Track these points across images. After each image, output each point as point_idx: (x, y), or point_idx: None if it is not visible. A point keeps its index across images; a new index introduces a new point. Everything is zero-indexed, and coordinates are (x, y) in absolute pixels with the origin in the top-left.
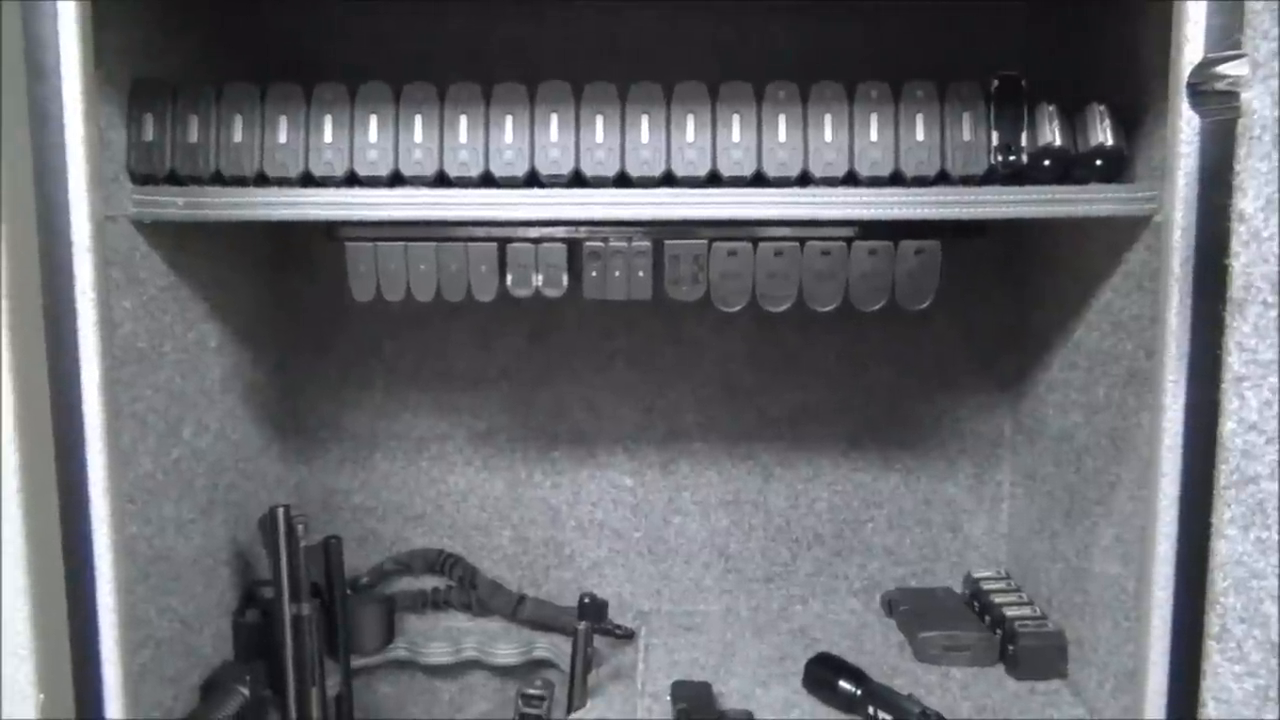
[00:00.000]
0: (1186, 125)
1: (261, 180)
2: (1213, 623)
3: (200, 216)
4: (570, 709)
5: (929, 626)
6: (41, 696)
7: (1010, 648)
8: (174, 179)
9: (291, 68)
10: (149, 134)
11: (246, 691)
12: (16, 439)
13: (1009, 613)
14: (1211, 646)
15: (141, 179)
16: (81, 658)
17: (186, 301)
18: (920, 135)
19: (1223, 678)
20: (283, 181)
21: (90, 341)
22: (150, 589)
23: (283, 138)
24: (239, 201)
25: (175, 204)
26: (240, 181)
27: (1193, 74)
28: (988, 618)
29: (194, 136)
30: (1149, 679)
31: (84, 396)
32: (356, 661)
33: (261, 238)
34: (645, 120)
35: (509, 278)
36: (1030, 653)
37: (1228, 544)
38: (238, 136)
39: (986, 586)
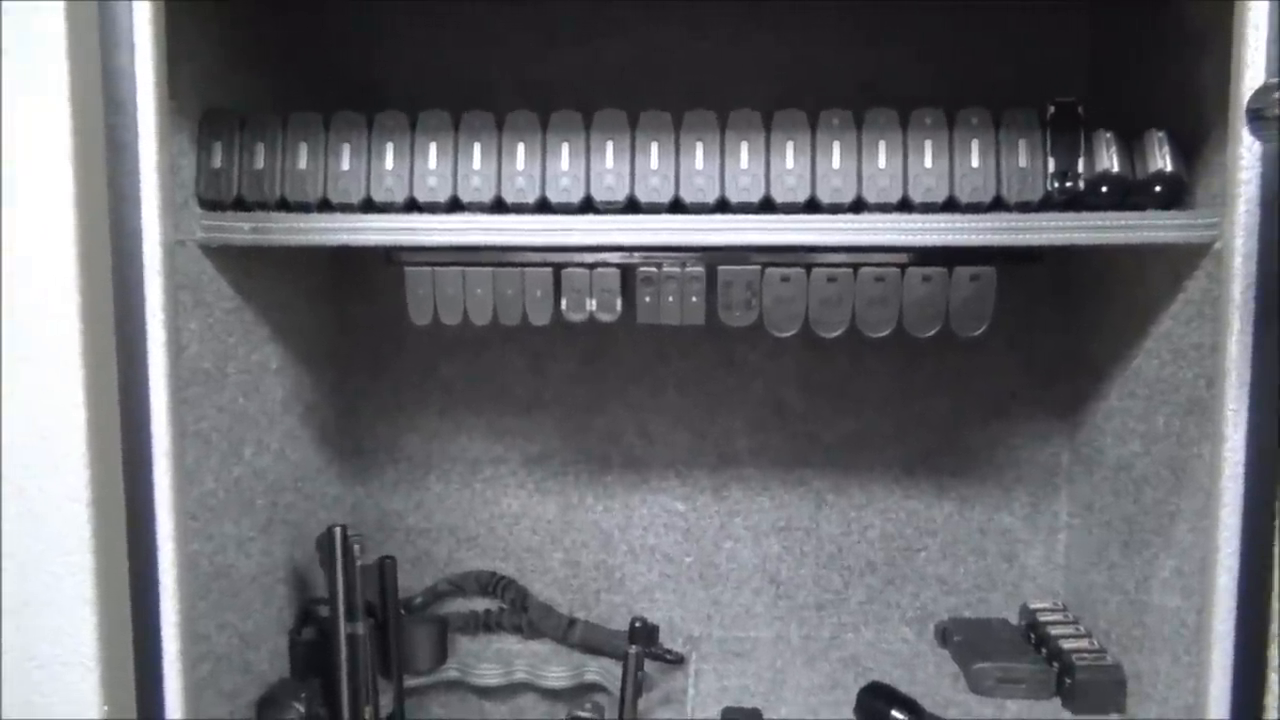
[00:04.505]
0: (1247, 151)
1: (325, 206)
2: (1274, 656)
3: (266, 241)
4: None
5: (984, 658)
6: (106, 707)
7: (1067, 681)
8: (241, 205)
9: (354, 96)
10: (218, 161)
11: (302, 708)
12: (88, 455)
13: (1066, 645)
14: (1273, 680)
15: (210, 205)
16: (144, 670)
17: (250, 324)
18: (975, 162)
19: None
20: (345, 207)
21: (159, 362)
22: (210, 605)
23: (345, 165)
24: (303, 227)
25: (242, 229)
26: (304, 207)
27: (1253, 99)
28: (1044, 650)
29: (260, 164)
30: (1210, 715)
31: (152, 415)
32: (409, 681)
33: (323, 262)
34: (700, 147)
35: (564, 302)
36: (1088, 686)
37: None
38: (302, 163)
39: (1043, 618)
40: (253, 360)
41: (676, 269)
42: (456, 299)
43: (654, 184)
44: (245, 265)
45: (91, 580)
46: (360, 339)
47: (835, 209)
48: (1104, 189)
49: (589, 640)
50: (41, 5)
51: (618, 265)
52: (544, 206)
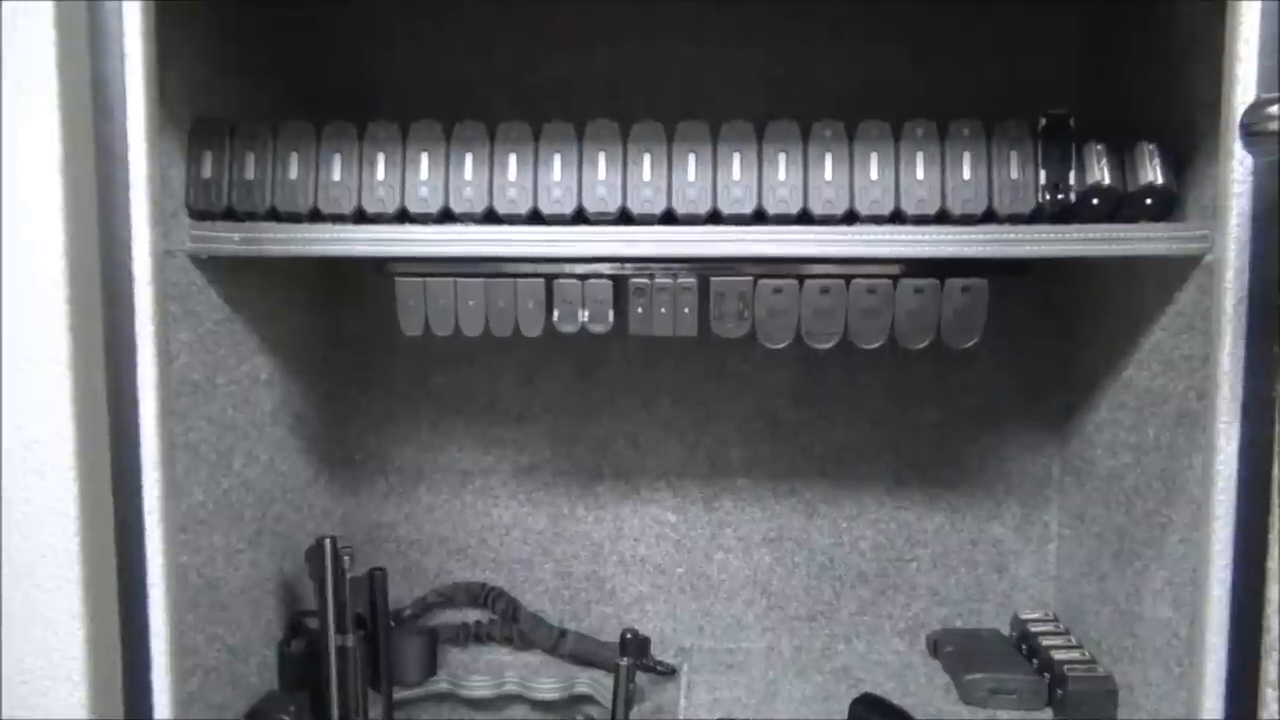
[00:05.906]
0: (1239, 165)
1: (315, 216)
2: (1270, 670)
3: (256, 252)
4: None
5: (975, 668)
6: None
7: (1059, 692)
8: (231, 215)
9: (346, 104)
10: (207, 171)
11: None
12: (76, 466)
13: (1057, 656)
14: (1269, 694)
15: (199, 215)
16: (133, 684)
17: (239, 335)
18: (967, 173)
19: None
20: (336, 218)
21: (149, 373)
22: (199, 618)
23: (336, 175)
24: (293, 237)
25: (232, 239)
26: (295, 218)
27: (1246, 114)
28: (1035, 661)
29: (250, 173)
30: None
31: (141, 427)
32: (399, 693)
33: (313, 272)
34: (692, 158)
35: (555, 313)
36: (1080, 697)
37: None
38: (293, 173)
39: (1034, 629)
40: (242, 371)
41: (669, 280)
42: (448, 310)
43: (646, 195)
44: (235, 276)
45: (79, 593)
46: (351, 350)
47: (827, 220)
48: (1095, 201)
49: (580, 652)
50: (30, 10)
51: (610, 276)
52: (536, 217)
